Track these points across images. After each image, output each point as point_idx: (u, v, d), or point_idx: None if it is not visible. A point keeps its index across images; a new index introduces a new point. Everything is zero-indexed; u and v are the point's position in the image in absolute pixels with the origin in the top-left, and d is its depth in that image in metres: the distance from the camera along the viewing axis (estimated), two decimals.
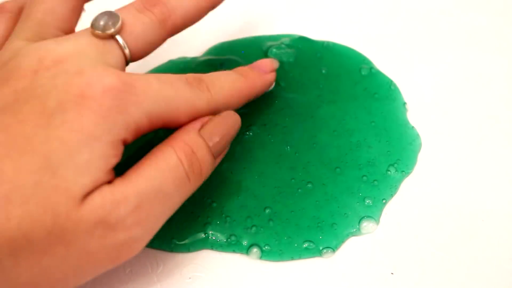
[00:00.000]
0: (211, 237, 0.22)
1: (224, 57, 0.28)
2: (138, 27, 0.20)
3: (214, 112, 0.21)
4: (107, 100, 0.17)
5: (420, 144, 0.25)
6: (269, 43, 0.29)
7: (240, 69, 0.24)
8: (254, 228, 0.23)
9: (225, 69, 0.28)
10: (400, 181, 0.24)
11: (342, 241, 0.22)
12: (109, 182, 0.17)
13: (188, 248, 0.22)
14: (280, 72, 0.28)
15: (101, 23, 0.19)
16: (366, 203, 0.23)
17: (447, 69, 0.29)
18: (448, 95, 0.28)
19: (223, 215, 0.23)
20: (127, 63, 0.21)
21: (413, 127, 0.26)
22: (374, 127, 0.26)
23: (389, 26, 0.31)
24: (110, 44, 0.20)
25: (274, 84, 0.26)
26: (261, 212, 0.23)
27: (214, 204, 0.23)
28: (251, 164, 0.24)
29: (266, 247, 0.22)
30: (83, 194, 0.16)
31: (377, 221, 0.23)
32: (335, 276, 0.22)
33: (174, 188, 0.18)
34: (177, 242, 0.22)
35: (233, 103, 0.22)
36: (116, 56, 0.20)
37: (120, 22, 0.20)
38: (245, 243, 0.22)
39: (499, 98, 0.27)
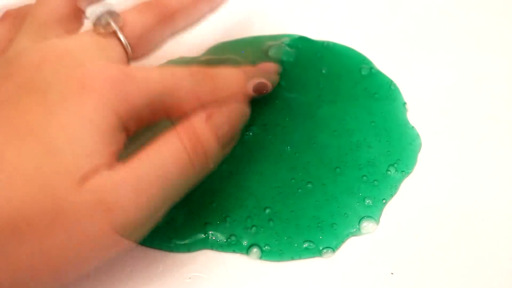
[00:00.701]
0: (211, 237, 0.22)
1: (224, 57, 0.28)
2: (139, 25, 0.21)
3: (215, 101, 0.21)
4: (107, 90, 0.18)
5: (420, 144, 0.25)
6: (269, 43, 0.29)
7: (247, 68, 0.24)
8: (254, 228, 0.23)
9: None
10: (400, 181, 0.24)
11: (342, 241, 0.22)
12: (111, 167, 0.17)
13: (188, 248, 0.22)
14: (281, 72, 0.28)
15: (103, 20, 0.20)
16: (366, 203, 0.23)
17: (447, 69, 0.29)
18: (448, 95, 0.28)
19: (223, 215, 0.23)
20: (128, 61, 0.21)
21: (413, 127, 0.26)
22: (374, 127, 0.26)
23: (389, 26, 0.31)
24: (112, 41, 0.20)
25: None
26: (261, 212, 0.23)
27: (214, 204, 0.23)
28: (251, 164, 0.24)
29: (266, 247, 0.22)
30: (82, 177, 0.16)
31: (377, 221, 0.23)
32: (335, 276, 0.22)
33: (177, 173, 0.18)
34: (177, 242, 0.22)
35: (235, 91, 0.22)
36: (117, 52, 0.20)
37: (121, 20, 0.20)
38: (245, 243, 0.22)
39: (499, 98, 0.27)
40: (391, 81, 0.28)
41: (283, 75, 0.28)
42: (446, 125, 0.26)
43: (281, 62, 0.28)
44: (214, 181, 0.24)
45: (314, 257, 0.22)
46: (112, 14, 0.20)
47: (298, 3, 0.32)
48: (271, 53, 0.28)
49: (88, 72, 0.18)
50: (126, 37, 0.20)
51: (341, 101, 0.27)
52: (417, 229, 0.23)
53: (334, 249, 0.22)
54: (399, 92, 0.27)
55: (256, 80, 0.24)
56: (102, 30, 0.20)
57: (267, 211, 0.23)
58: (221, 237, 0.22)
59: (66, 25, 0.21)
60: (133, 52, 0.21)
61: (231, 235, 0.22)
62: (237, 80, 0.22)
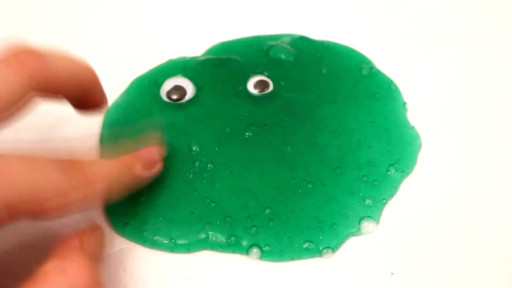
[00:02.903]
0: (211, 238, 0.22)
1: (224, 57, 0.28)
2: None
3: (88, 200, 0.18)
4: None
5: (420, 144, 0.25)
6: (270, 43, 0.29)
7: (125, 159, 0.21)
8: (254, 229, 0.23)
9: (225, 69, 0.28)
10: (400, 181, 0.24)
11: (342, 241, 0.22)
12: None
13: (188, 249, 0.22)
14: (280, 72, 0.28)
15: None
16: (366, 203, 0.23)
17: (447, 69, 0.29)
18: (448, 95, 0.28)
19: (223, 215, 0.23)
20: None
21: (413, 127, 0.26)
22: (374, 127, 0.26)
23: (389, 26, 0.31)
24: None
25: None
26: (261, 212, 0.23)
27: (214, 204, 0.23)
28: (251, 164, 0.24)
29: (266, 248, 0.22)
30: None
31: (377, 221, 0.23)
32: (335, 276, 0.22)
33: None
34: (177, 242, 0.22)
35: (112, 191, 0.20)
36: None
37: None
38: (245, 243, 0.22)
39: (499, 98, 0.27)
40: (391, 81, 0.28)
41: (283, 75, 0.28)
42: (446, 125, 0.26)
43: (281, 62, 0.28)
44: (214, 181, 0.24)
45: (314, 257, 0.22)
46: None
47: (298, 3, 0.32)
48: (271, 53, 0.28)
49: None
50: None
51: (341, 101, 0.27)
52: (417, 229, 0.23)
53: (334, 249, 0.22)
54: (399, 92, 0.27)
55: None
56: None
57: (267, 211, 0.23)
58: (221, 238, 0.22)
59: None
60: None
61: (231, 236, 0.22)
62: (114, 176, 0.20)
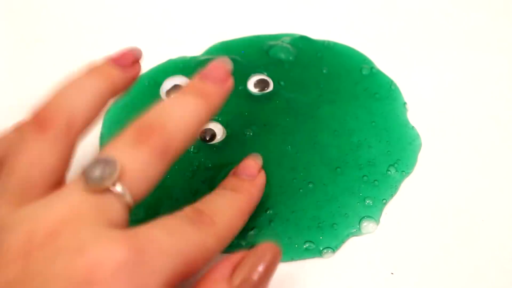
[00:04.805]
0: None
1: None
2: (138, 168, 0.17)
3: (224, 244, 0.18)
4: (120, 281, 0.14)
5: (420, 144, 0.25)
6: (270, 43, 0.29)
7: (230, 182, 0.21)
8: (255, 229, 0.23)
9: None
10: (400, 181, 0.24)
11: (342, 241, 0.22)
12: None
13: None
14: (281, 72, 0.28)
15: (97, 174, 0.16)
16: (366, 203, 0.23)
17: (447, 69, 0.29)
18: (448, 95, 0.28)
19: None
20: (130, 210, 0.17)
21: (413, 127, 0.26)
22: (374, 127, 0.26)
23: (390, 26, 0.31)
24: (109, 197, 0.16)
25: None
26: (262, 213, 0.23)
27: None
28: None
29: None
30: None
31: (377, 221, 0.23)
32: (335, 276, 0.22)
33: None
34: None
35: (240, 225, 0.20)
36: (117, 209, 0.16)
37: (118, 170, 0.16)
38: (244, 244, 0.22)
39: (499, 98, 0.27)
40: (392, 81, 0.28)
41: (283, 75, 0.28)
42: (446, 125, 0.26)
43: (281, 62, 0.28)
44: (214, 181, 0.24)
45: (314, 257, 0.22)
46: (106, 163, 0.16)
47: (298, 3, 0.32)
48: (271, 53, 0.28)
49: (93, 258, 0.14)
50: (125, 187, 0.16)
51: (341, 101, 0.27)
52: (417, 229, 0.23)
53: (334, 249, 0.22)
54: (399, 92, 0.27)
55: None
56: (96, 186, 0.16)
57: (268, 212, 0.23)
58: None
59: (51, 177, 0.17)
60: (134, 201, 0.17)
61: None
62: (235, 209, 0.20)
